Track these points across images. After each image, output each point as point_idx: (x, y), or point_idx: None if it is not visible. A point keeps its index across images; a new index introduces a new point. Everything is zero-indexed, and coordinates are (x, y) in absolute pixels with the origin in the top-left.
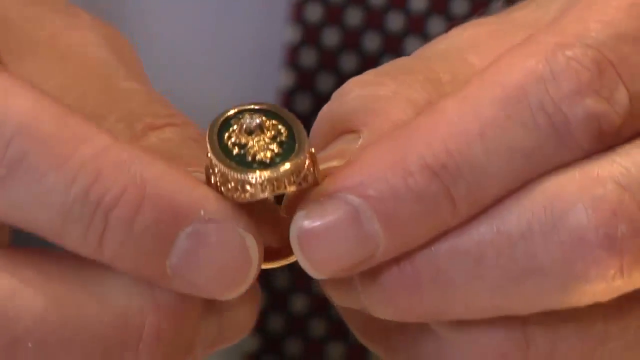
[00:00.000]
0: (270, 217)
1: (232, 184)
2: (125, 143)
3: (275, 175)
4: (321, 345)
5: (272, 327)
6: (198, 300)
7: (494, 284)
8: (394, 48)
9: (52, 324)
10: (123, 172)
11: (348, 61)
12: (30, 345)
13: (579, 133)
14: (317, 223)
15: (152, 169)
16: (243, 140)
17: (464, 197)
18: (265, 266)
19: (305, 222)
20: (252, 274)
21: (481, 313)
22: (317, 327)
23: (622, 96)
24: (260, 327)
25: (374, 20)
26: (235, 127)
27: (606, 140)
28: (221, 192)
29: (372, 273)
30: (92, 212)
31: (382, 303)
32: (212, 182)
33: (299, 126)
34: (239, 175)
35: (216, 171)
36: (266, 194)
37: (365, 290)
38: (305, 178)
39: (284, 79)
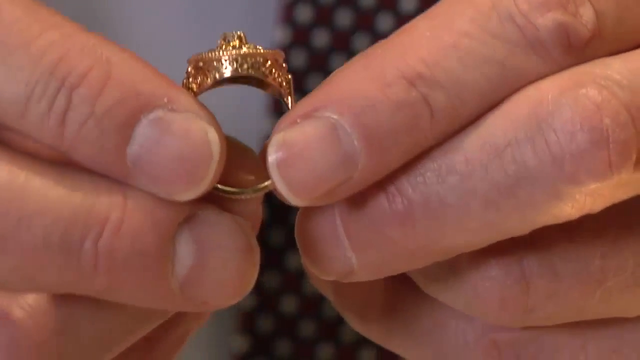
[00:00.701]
0: (247, 160)
1: (205, 66)
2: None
3: (240, 52)
4: (311, 346)
5: (262, 328)
6: (170, 212)
7: (486, 199)
8: None
9: (17, 194)
10: (89, 54)
11: (338, 62)
12: None
13: (549, 42)
14: (295, 142)
15: (120, 54)
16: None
17: (443, 107)
18: (245, 195)
19: (283, 142)
20: (213, 169)
21: (476, 236)
22: (307, 328)
23: (588, 12)
24: (250, 328)
25: (364, 21)
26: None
27: (576, 53)
28: (192, 89)
29: (360, 211)
30: (56, 90)
31: (373, 245)
32: (184, 82)
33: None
34: (211, 54)
35: (189, 69)
36: (231, 71)
37: (355, 240)
38: (270, 70)
39: None
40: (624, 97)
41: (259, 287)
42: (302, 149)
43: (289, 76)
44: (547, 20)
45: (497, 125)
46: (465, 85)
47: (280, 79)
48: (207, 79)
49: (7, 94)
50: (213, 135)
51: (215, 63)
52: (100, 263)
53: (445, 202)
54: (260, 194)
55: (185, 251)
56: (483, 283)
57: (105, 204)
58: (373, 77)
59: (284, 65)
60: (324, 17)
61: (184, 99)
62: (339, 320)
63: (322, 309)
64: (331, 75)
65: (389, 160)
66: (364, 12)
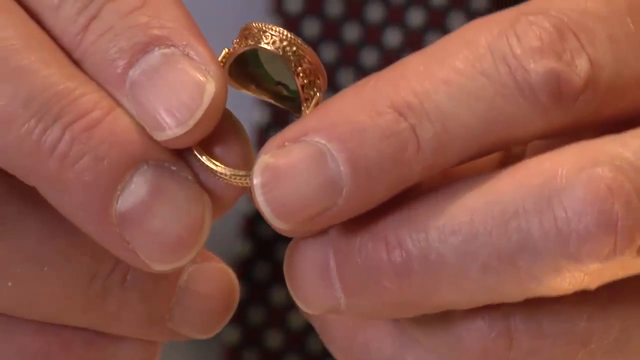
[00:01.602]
0: (236, 139)
1: (248, 33)
2: None
3: (288, 34)
4: (301, 337)
5: (252, 319)
6: (145, 145)
7: (486, 263)
8: (374, 39)
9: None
10: None
11: (328, 52)
12: None
13: (539, 89)
14: (281, 164)
15: None
16: None
17: (430, 139)
18: (221, 176)
19: (269, 164)
20: (199, 114)
21: (469, 297)
22: (297, 320)
23: (583, 62)
24: (240, 320)
25: (354, 11)
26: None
27: (567, 103)
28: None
29: (356, 256)
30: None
31: (365, 291)
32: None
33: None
34: (260, 25)
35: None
36: (270, 44)
37: (347, 283)
38: (303, 69)
39: None
40: (637, 180)
41: (249, 279)
42: (287, 172)
43: (318, 94)
44: (539, 66)
45: (507, 190)
46: (453, 120)
47: (306, 81)
48: (243, 44)
49: None
50: (210, 88)
51: (258, 32)
52: (58, 149)
53: (444, 261)
54: (235, 184)
55: (138, 186)
56: (467, 333)
57: (94, 99)
58: (363, 105)
59: (318, 81)
60: (314, 7)
61: (202, 50)
62: (325, 354)
63: (307, 344)
64: (323, 102)
65: (374, 189)
66: (354, 2)
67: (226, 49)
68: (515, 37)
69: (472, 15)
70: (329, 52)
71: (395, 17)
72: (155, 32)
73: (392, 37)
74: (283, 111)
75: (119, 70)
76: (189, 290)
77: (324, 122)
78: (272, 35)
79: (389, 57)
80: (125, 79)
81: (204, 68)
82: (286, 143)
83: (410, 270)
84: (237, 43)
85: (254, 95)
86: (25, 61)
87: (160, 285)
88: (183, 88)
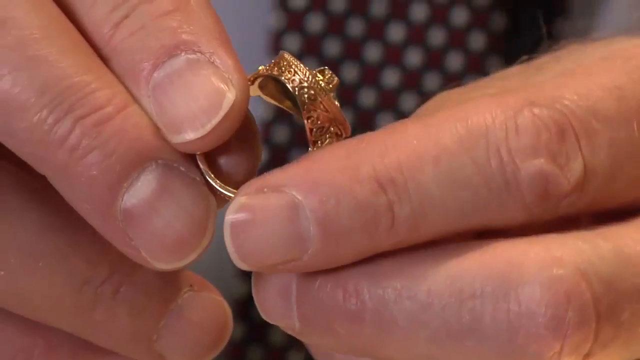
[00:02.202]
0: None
1: (280, 62)
2: None
3: (315, 80)
4: None
5: (256, 316)
6: (156, 145)
7: (434, 335)
8: (378, 34)
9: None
10: None
11: (331, 47)
12: None
13: (526, 188)
14: (254, 212)
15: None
16: None
17: (405, 219)
18: (219, 191)
19: (243, 208)
20: (215, 121)
21: (414, 359)
22: None
23: (577, 167)
24: (245, 316)
25: (358, 6)
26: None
27: (551, 204)
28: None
29: (315, 291)
30: None
31: (317, 326)
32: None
33: None
34: (294, 61)
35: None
36: (290, 83)
37: (303, 312)
38: (316, 115)
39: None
40: (598, 290)
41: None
42: (259, 218)
43: (330, 139)
44: (531, 165)
45: (470, 270)
46: (433, 203)
47: (315, 127)
48: (271, 69)
49: None
50: (231, 96)
51: (287, 65)
52: (68, 141)
53: (395, 322)
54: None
55: (145, 184)
56: None
57: (108, 95)
58: (348, 169)
59: (333, 128)
60: (318, 3)
61: (228, 59)
62: None
63: None
64: (314, 152)
65: (340, 254)
66: None
67: (261, 67)
68: (514, 130)
69: (473, 11)
70: (333, 48)
71: (399, 12)
72: (184, 37)
73: (396, 33)
74: None
75: (144, 71)
76: (181, 315)
77: (305, 177)
78: (296, 72)
79: (392, 53)
80: (149, 80)
81: (227, 76)
82: (265, 189)
83: (362, 320)
84: (268, 65)
85: (289, 111)
86: (44, 51)
87: (152, 303)
88: (203, 94)
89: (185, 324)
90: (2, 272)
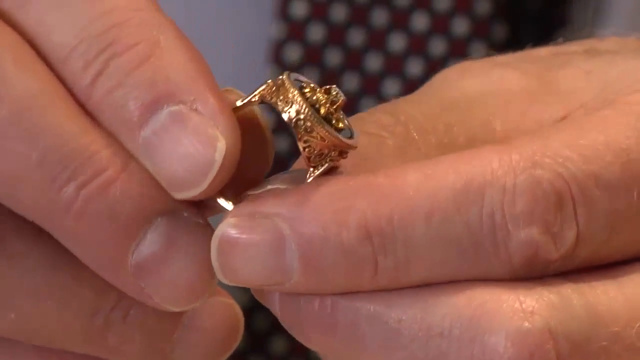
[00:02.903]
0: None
1: (279, 89)
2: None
3: (311, 113)
4: None
5: (258, 325)
6: (158, 199)
7: None
8: (378, 44)
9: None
10: (143, 30)
11: (332, 57)
12: None
13: (515, 253)
14: (242, 236)
15: (173, 41)
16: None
17: (388, 270)
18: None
19: (232, 230)
20: (209, 179)
21: None
22: None
23: (570, 236)
24: (246, 326)
25: (359, 16)
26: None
27: (539, 268)
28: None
29: (292, 301)
30: (97, 53)
31: (294, 326)
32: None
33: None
34: (293, 89)
35: (274, 80)
36: (286, 113)
37: (283, 312)
38: (315, 146)
39: (270, 74)
40: (564, 350)
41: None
42: (246, 243)
43: (329, 164)
44: (522, 233)
45: (441, 309)
46: (419, 258)
47: (312, 156)
48: (270, 93)
49: (58, 37)
50: (222, 146)
51: (285, 92)
52: (74, 208)
53: (365, 342)
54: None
55: (153, 239)
56: None
57: (107, 156)
58: (339, 212)
59: (333, 153)
60: (319, 12)
61: (211, 103)
62: None
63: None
64: (310, 183)
65: (320, 289)
66: (359, 7)
67: (263, 86)
68: (512, 193)
69: (474, 21)
70: (334, 58)
71: (400, 22)
72: (162, 88)
73: (397, 42)
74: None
75: (130, 130)
76: (193, 325)
77: (297, 212)
78: (293, 102)
79: (393, 62)
80: (137, 138)
81: (213, 124)
82: (257, 215)
83: (334, 333)
84: (268, 87)
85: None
86: (40, 119)
87: (163, 320)
88: (194, 149)
89: (198, 332)
90: (12, 315)
